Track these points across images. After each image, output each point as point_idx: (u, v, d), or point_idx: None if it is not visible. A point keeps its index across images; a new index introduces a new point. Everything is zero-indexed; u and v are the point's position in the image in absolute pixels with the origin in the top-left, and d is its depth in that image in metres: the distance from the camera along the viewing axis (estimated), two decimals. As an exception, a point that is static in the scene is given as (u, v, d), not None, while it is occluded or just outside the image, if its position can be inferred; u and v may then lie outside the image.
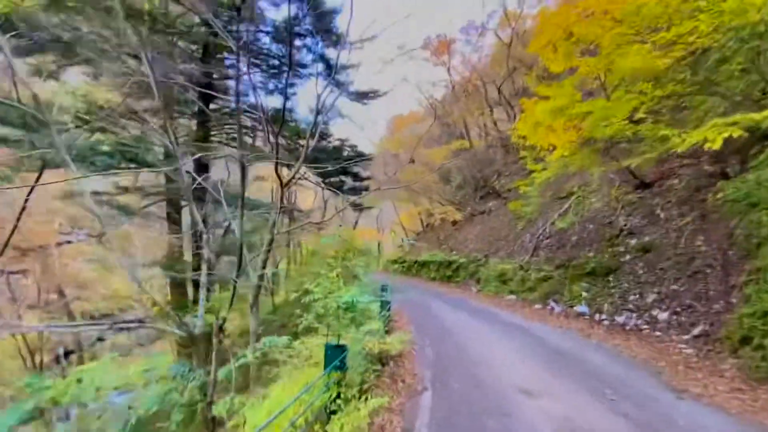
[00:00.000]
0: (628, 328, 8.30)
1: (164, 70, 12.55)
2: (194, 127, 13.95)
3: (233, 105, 14.63)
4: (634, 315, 8.65)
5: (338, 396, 3.27)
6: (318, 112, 8.04)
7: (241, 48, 10.87)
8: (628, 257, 10.61)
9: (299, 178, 13.95)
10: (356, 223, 37.49)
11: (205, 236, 5.76)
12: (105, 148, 9.76)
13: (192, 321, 4.71)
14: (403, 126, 36.77)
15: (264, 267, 8.40)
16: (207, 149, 13.14)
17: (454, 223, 23.53)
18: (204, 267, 5.72)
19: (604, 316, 9.17)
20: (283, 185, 8.04)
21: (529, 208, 12.95)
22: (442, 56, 30.27)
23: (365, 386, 3.86)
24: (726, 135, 3.73)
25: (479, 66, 29.19)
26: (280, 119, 13.53)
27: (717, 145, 3.87)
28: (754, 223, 7.60)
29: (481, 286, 14.90)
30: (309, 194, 35.58)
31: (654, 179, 12.79)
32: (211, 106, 14.18)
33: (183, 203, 14.73)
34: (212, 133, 14.02)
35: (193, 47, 14.51)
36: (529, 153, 12.58)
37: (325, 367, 3.27)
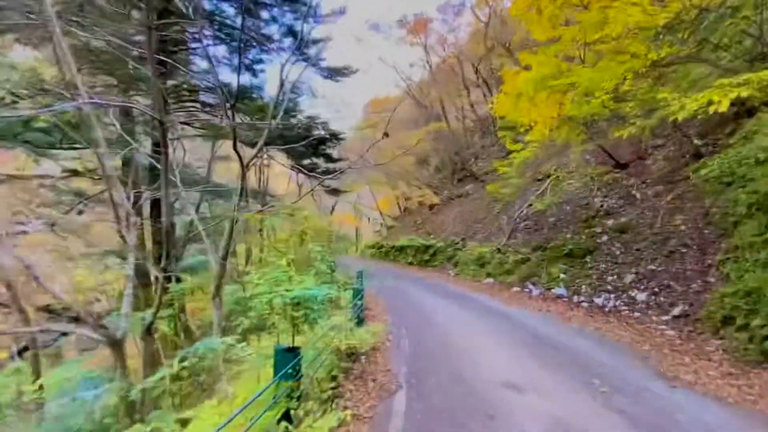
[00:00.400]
0: (607, 309, 8.14)
1: (114, 41, 11.32)
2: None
3: (197, 81, 13.52)
4: (613, 296, 8.52)
5: (287, 415, 2.69)
6: (282, 84, 7.30)
7: (199, 15, 9.83)
8: (605, 238, 10.52)
9: (264, 158, 13.12)
10: (333, 208, 36.73)
11: (132, 219, 5.03)
12: (41, 124, 8.62)
13: (114, 323, 3.97)
14: (380, 108, 35.87)
15: (226, 254, 7.72)
16: (163, 128, 12.08)
17: (432, 206, 23.22)
18: (131, 257, 5.01)
19: (582, 298, 9.02)
20: (244, 165, 7.32)
21: (507, 189, 12.66)
22: (419, 36, 29.42)
23: (327, 394, 3.32)
24: (734, 96, 3.36)
25: (456, 46, 28.54)
26: (242, 94, 12.59)
27: (724, 107, 3.50)
28: (731, 202, 7.51)
29: (458, 270, 14.66)
30: (284, 179, 34.42)
31: (629, 160, 12.73)
32: (169, 82, 13.02)
33: (142, 188, 13.65)
34: (170, 111, 12.87)
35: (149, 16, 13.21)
36: (508, 133, 12.21)
37: (275, 374, 2.71)
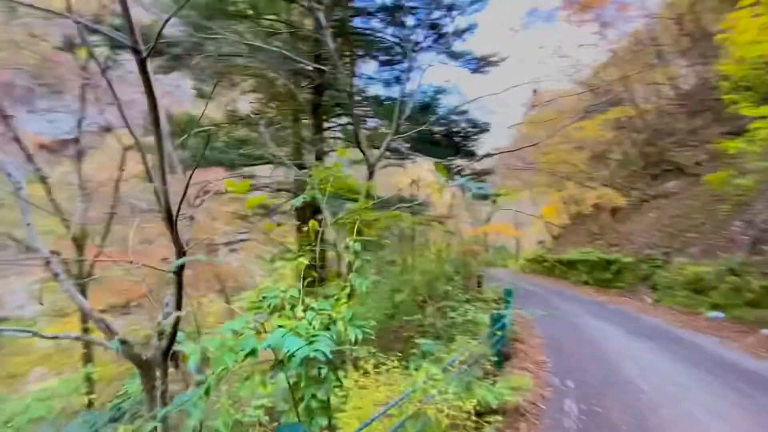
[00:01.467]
0: None
1: (286, 70, 12.75)
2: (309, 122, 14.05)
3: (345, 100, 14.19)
4: None
5: None
6: (409, 69, 6.38)
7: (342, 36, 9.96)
8: None
9: (396, 158, 12.54)
10: (489, 218, 34.10)
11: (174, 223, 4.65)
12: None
13: (148, 338, 3.31)
14: (545, 103, 31.54)
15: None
16: (322, 142, 13.05)
17: (614, 211, 18.52)
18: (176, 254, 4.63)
19: None
20: (370, 164, 6.65)
21: (745, 179, 8.47)
22: (591, 11, 24.62)
23: None
24: None
25: (645, 10, 22.61)
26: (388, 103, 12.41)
27: None
28: None
29: (658, 297, 10.76)
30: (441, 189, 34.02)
31: None
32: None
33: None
34: (324, 126, 13.83)
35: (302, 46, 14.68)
36: (743, 96, 8.14)
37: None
